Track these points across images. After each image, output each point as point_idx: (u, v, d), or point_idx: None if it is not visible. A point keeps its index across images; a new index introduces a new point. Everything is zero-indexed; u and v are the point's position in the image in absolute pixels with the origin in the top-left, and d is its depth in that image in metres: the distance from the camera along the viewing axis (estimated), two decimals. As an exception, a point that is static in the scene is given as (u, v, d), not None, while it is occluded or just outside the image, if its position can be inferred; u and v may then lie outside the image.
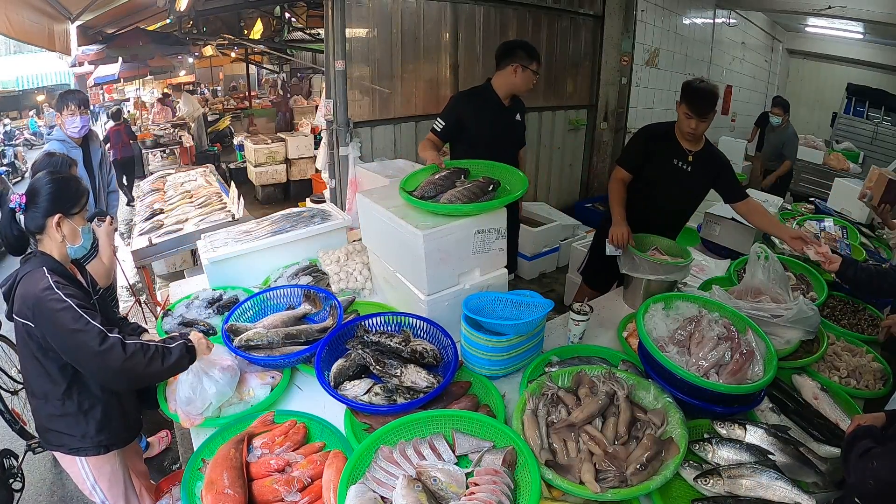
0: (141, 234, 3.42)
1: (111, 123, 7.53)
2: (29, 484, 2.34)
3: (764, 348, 1.46)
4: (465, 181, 1.92)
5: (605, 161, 5.77)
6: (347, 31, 3.62)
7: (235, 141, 8.34)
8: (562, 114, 5.44)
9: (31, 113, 14.34)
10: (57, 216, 1.44)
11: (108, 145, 6.75)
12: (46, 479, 2.48)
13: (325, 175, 4.33)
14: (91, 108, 3.20)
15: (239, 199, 3.50)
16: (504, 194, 1.86)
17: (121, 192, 5.72)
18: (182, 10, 4.92)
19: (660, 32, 5.80)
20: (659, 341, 1.52)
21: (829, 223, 2.77)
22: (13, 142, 11.74)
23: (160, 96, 10.69)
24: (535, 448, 1.22)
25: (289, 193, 7.01)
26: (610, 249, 2.21)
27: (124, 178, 6.99)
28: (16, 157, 10.23)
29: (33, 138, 12.78)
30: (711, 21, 6.92)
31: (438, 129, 2.44)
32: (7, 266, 5.25)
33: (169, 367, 1.37)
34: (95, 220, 2.23)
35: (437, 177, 1.93)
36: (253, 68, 12.84)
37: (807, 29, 8.60)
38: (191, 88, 12.45)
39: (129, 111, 10.59)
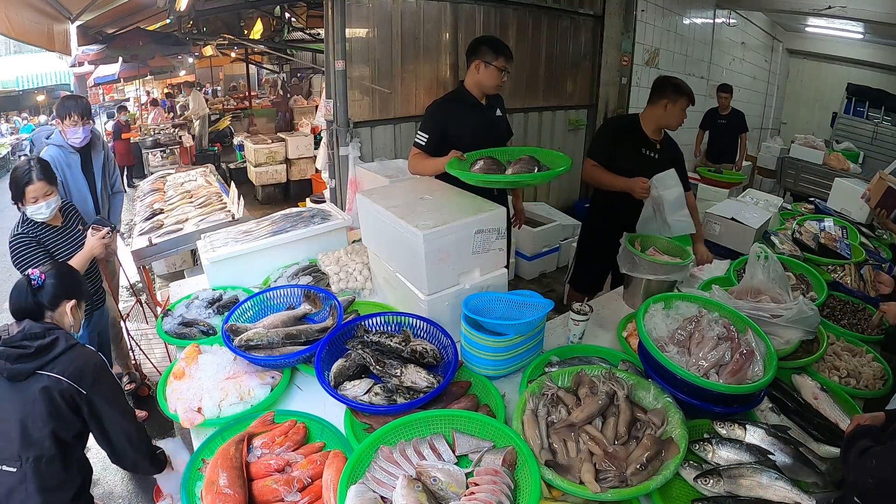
0: (141, 234, 3.42)
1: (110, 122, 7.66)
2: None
3: (764, 348, 1.46)
4: (512, 163, 2.04)
5: (605, 161, 5.78)
6: (347, 31, 3.62)
7: (235, 141, 8.36)
8: (562, 114, 5.44)
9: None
10: (73, 301, 1.61)
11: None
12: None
13: (325, 175, 4.33)
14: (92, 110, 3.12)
15: (239, 199, 3.50)
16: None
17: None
18: (182, 10, 4.93)
19: (660, 32, 5.80)
20: (659, 341, 1.52)
21: (829, 223, 2.77)
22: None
23: (152, 99, 10.66)
24: (535, 448, 1.22)
25: (289, 193, 7.01)
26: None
27: None
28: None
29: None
30: (711, 21, 6.92)
31: (423, 143, 2.35)
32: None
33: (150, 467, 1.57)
34: (91, 227, 2.23)
35: (481, 164, 2.04)
36: (253, 68, 12.84)
37: (807, 29, 8.60)
38: (199, 85, 12.45)
39: (128, 111, 10.57)
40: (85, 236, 2.25)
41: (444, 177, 2.13)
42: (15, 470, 1.36)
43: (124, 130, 7.93)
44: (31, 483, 1.36)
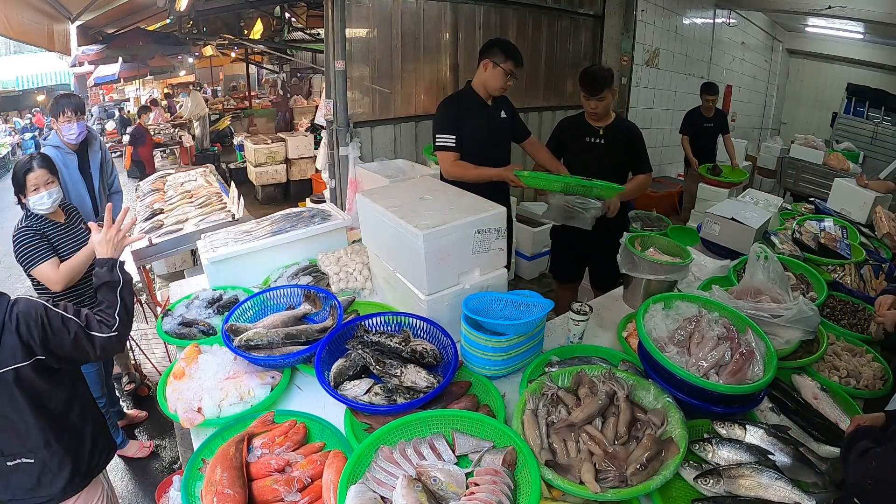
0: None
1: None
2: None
3: (764, 348, 1.46)
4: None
5: (605, 161, 5.77)
6: (347, 31, 3.62)
7: (235, 141, 8.36)
8: (562, 114, 5.41)
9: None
10: None
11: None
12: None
13: (325, 175, 4.33)
14: (89, 109, 3.14)
15: (239, 199, 3.50)
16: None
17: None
18: (182, 10, 4.92)
19: (660, 32, 5.80)
20: (659, 341, 1.52)
21: (829, 223, 2.77)
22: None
23: (152, 100, 10.64)
24: (535, 448, 1.22)
25: (289, 193, 7.02)
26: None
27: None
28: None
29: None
30: (711, 21, 6.92)
31: (453, 145, 2.37)
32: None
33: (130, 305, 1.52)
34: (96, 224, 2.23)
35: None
36: (253, 68, 12.85)
37: (807, 29, 8.61)
38: (198, 85, 12.47)
39: (128, 111, 10.58)
40: (88, 235, 2.25)
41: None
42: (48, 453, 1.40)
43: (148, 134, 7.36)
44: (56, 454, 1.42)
